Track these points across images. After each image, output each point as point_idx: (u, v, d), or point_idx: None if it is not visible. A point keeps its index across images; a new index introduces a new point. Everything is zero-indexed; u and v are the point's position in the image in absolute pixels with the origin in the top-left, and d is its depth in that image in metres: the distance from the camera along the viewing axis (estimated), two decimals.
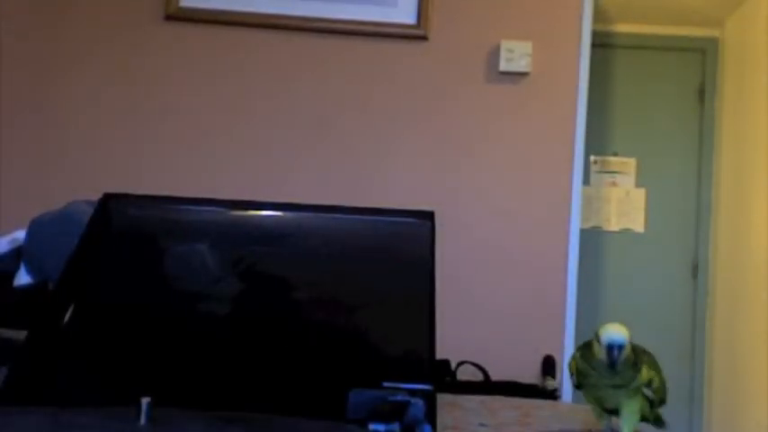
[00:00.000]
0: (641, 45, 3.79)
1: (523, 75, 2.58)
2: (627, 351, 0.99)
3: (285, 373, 0.87)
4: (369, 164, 2.58)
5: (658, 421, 1.13)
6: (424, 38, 2.59)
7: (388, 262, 1.00)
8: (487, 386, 2.22)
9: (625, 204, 3.75)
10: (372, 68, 2.60)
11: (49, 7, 2.59)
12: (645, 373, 1.03)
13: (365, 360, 0.89)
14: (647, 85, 3.79)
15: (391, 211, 1.05)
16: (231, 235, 1.02)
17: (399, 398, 0.80)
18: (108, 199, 1.02)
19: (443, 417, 1.04)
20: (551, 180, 2.57)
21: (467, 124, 2.59)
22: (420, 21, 2.58)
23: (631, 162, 3.76)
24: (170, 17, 2.58)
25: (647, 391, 1.04)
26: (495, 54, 2.59)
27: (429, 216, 1.02)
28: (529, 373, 2.44)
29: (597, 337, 1.00)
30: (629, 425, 1.04)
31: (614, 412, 1.07)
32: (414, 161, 2.58)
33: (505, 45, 2.58)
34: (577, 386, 1.08)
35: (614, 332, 0.99)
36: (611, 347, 0.98)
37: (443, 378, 2.19)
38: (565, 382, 2.49)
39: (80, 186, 2.44)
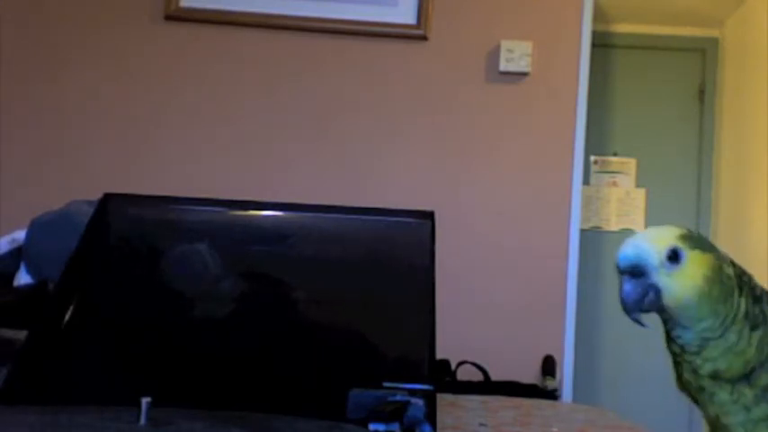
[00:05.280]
0: (641, 45, 3.78)
1: (523, 75, 2.58)
2: None
3: (285, 374, 0.87)
4: (369, 164, 2.58)
5: None
6: (423, 38, 2.59)
7: (389, 262, 1.00)
8: (487, 386, 2.22)
9: (625, 204, 3.75)
10: (372, 68, 2.60)
11: (49, 6, 2.59)
12: None
13: (365, 360, 0.89)
14: (647, 85, 3.78)
15: (391, 211, 1.05)
16: (231, 235, 1.02)
17: (399, 398, 0.80)
18: (108, 199, 1.02)
19: (443, 417, 1.04)
20: (551, 180, 2.57)
21: (467, 124, 2.59)
22: (420, 21, 2.58)
23: (631, 162, 3.76)
24: (170, 17, 2.58)
25: None
26: (495, 54, 2.59)
27: (429, 216, 1.02)
28: (529, 373, 2.43)
29: None
30: None
31: None
32: (414, 161, 2.58)
33: (505, 45, 2.57)
34: None
35: None
36: None
37: (443, 378, 2.19)
38: (565, 382, 2.49)
39: (79, 186, 2.44)
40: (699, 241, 0.64)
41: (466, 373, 2.29)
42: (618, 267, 0.63)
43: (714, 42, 3.76)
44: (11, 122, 2.54)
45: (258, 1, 2.59)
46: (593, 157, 3.74)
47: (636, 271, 0.63)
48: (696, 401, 0.65)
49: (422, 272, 0.96)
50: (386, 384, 0.81)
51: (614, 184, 3.76)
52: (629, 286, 0.62)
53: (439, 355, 0.92)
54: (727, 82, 3.67)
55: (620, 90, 3.78)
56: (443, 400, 1.23)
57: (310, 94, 2.59)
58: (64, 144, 2.55)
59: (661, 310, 0.63)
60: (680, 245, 0.63)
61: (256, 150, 2.57)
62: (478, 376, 2.30)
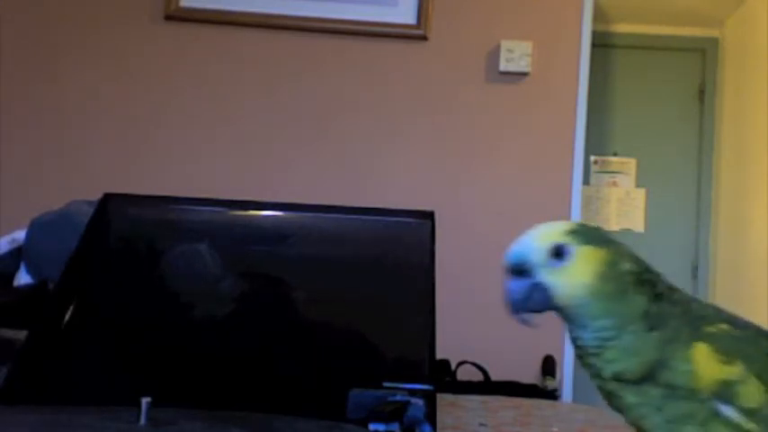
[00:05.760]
0: (641, 45, 3.79)
1: (523, 75, 2.58)
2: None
3: (285, 374, 0.87)
4: (369, 164, 2.57)
5: None
6: (423, 38, 2.59)
7: (389, 262, 1.00)
8: (487, 386, 2.22)
9: (625, 204, 3.75)
10: (372, 68, 2.60)
11: (49, 6, 2.59)
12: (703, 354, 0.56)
13: (366, 360, 0.89)
14: (647, 85, 3.78)
15: (391, 211, 1.05)
16: (231, 235, 1.02)
17: (399, 398, 0.80)
18: (108, 199, 1.02)
19: (443, 417, 1.04)
20: (551, 180, 2.57)
21: (467, 124, 2.59)
22: (420, 21, 2.58)
23: (631, 162, 3.76)
24: (170, 17, 2.58)
25: (730, 413, 0.55)
26: (495, 54, 2.59)
27: (429, 216, 1.02)
28: (529, 373, 2.43)
29: None
30: None
31: None
32: (414, 161, 2.58)
33: (505, 45, 2.57)
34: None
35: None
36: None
37: (443, 378, 2.19)
38: (565, 382, 2.49)
39: (79, 186, 2.44)
40: (592, 236, 0.60)
41: (466, 373, 2.29)
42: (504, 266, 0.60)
43: (714, 42, 3.76)
44: (11, 122, 2.54)
45: (258, 1, 2.59)
46: (593, 157, 3.74)
47: (519, 269, 0.60)
48: (618, 410, 0.62)
49: (422, 272, 0.96)
50: (386, 384, 0.81)
51: (614, 184, 3.76)
52: (513, 285, 0.60)
53: (439, 355, 0.92)
54: (727, 82, 3.67)
55: (620, 90, 3.78)
56: (443, 400, 1.23)
57: (310, 94, 2.59)
58: (64, 144, 2.55)
59: (556, 309, 0.60)
60: (567, 241, 0.59)
61: (256, 150, 2.57)
62: (478, 376, 2.30)
